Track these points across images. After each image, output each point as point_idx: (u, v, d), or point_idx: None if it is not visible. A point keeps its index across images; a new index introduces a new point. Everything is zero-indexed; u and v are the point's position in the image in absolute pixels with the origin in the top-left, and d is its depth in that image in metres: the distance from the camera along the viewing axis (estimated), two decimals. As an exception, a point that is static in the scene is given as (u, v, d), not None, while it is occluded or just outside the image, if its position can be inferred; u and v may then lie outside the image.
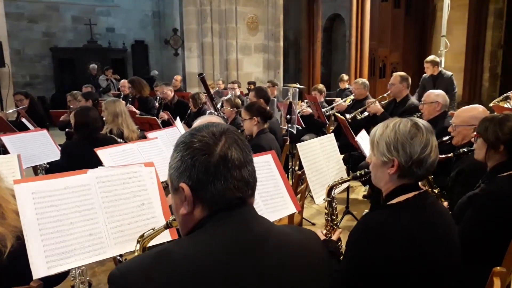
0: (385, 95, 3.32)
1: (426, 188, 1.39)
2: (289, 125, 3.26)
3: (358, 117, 3.23)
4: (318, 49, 8.58)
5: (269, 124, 2.59)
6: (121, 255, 1.18)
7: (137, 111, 3.64)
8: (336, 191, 1.35)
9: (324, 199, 1.35)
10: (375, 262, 0.88)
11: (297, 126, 3.38)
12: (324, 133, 3.54)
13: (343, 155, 2.57)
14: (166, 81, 5.00)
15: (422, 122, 0.97)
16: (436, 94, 2.41)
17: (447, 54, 4.80)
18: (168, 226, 0.95)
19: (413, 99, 3.16)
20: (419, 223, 0.91)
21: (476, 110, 1.74)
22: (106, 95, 6.36)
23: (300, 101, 4.30)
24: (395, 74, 3.20)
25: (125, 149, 1.86)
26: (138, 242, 1.00)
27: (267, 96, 3.02)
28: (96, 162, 1.58)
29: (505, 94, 2.79)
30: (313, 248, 0.70)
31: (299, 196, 2.04)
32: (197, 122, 1.43)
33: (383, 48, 6.86)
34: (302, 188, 2.14)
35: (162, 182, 1.27)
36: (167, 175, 0.67)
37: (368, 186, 3.18)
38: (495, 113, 1.94)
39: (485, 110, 1.76)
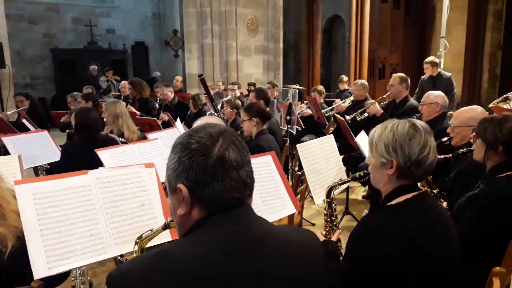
0: (384, 96, 3.33)
1: (425, 188, 1.40)
2: (289, 126, 3.27)
3: (358, 118, 3.24)
4: (317, 50, 8.60)
5: (269, 125, 2.60)
6: (121, 256, 1.19)
7: (138, 112, 3.65)
8: (336, 191, 1.35)
9: (323, 200, 1.36)
10: (375, 262, 0.89)
11: (297, 127, 3.38)
12: (323, 134, 3.54)
13: (342, 156, 2.58)
14: (166, 82, 5.01)
15: (420, 123, 0.98)
16: (436, 95, 2.42)
17: (446, 55, 4.81)
18: (166, 227, 0.95)
19: (413, 100, 3.17)
20: (418, 224, 0.91)
21: (475, 111, 1.75)
22: (107, 96, 6.38)
23: (300, 102, 4.31)
24: (394, 75, 3.21)
25: (125, 150, 1.86)
26: (136, 243, 1.00)
27: (267, 97, 3.02)
28: (96, 163, 1.58)
29: (505, 95, 2.79)
30: (312, 248, 0.71)
31: (298, 196, 2.04)
32: (197, 123, 1.44)
33: (383, 49, 6.88)
34: (302, 189, 2.14)
35: (162, 183, 1.27)
36: (165, 176, 0.67)
37: (367, 186, 3.19)
38: (494, 114, 1.94)
39: (484, 111, 1.76)
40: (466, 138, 1.72)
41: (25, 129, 3.16)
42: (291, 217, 1.69)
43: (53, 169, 2.35)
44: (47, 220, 1.03)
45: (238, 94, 4.77)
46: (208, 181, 0.61)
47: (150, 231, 1.00)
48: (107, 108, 2.68)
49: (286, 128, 3.34)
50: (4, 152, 2.45)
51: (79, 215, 1.08)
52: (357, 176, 1.23)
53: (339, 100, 4.24)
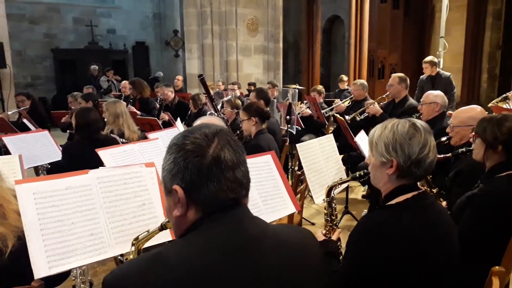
0: (384, 96, 3.33)
1: (425, 188, 1.40)
2: (289, 125, 3.27)
3: (357, 118, 3.25)
4: (317, 50, 8.61)
5: (269, 125, 2.60)
6: (122, 255, 1.19)
7: (138, 112, 3.65)
8: (336, 191, 1.36)
9: (323, 199, 1.36)
10: (375, 262, 0.89)
11: (297, 126, 3.39)
12: (323, 134, 3.55)
13: (342, 156, 2.58)
14: (167, 82, 5.01)
15: (420, 123, 0.98)
16: (435, 94, 2.42)
17: (445, 55, 4.81)
18: (162, 228, 0.94)
19: (412, 99, 3.17)
20: (419, 224, 0.91)
21: (474, 111, 1.75)
22: (107, 96, 6.38)
23: (300, 102, 4.31)
24: (393, 75, 3.21)
25: (126, 150, 1.87)
26: (133, 244, 1.00)
27: (268, 97, 3.03)
28: (97, 163, 1.58)
29: (504, 95, 2.80)
30: (309, 247, 0.71)
31: (298, 196, 2.04)
32: (197, 123, 1.44)
33: (382, 49, 6.88)
34: (302, 188, 2.15)
35: (162, 182, 1.27)
36: (160, 177, 0.67)
37: (367, 186, 3.19)
38: (494, 113, 1.95)
39: (483, 111, 1.76)
40: (465, 137, 1.72)
41: (25, 129, 3.16)
42: (291, 216, 1.69)
43: (53, 169, 2.36)
44: (48, 219, 1.03)
45: (238, 94, 4.77)
46: (203, 182, 0.61)
47: (146, 232, 0.99)
48: (107, 108, 2.68)
49: (286, 128, 3.34)
50: (4, 152, 2.45)
51: (79, 214, 1.08)
52: (357, 175, 1.24)
53: (339, 99, 4.25)
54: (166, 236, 1.10)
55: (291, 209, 1.42)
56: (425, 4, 6.65)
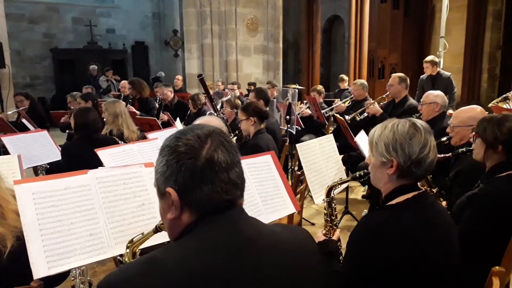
0: (384, 96, 3.33)
1: (425, 188, 1.40)
2: (289, 125, 3.27)
3: (357, 118, 3.25)
4: (317, 50, 8.61)
5: (269, 125, 2.60)
6: (121, 255, 1.18)
7: (137, 112, 3.65)
8: (335, 191, 1.35)
9: (323, 200, 1.36)
10: (376, 262, 0.89)
11: (297, 126, 3.38)
12: (323, 134, 3.55)
13: (342, 156, 2.58)
14: (166, 82, 5.01)
15: (420, 123, 0.98)
16: (435, 94, 2.42)
17: (445, 55, 4.82)
18: (157, 230, 0.93)
19: (412, 99, 3.17)
20: (419, 224, 0.91)
21: (474, 111, 1.75)
22: (107, 96, 6.38)
23: (300, 102, 4.31)
24: (393, 75, 3.21)
25: (125, 150, 1.86)
26: (127, 247, 0.99)
27: (267, 97, 3.02)
28: (96, 163, 1.58)
29: (504, 95, 2.80)
30: (307, 246, 0.70)
31: (298, 196, 2.04)
32: (197, 123, 1.44)
33: (382, 49, 6.88)
34: (302, 188, 2.14)
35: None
36: (154, 179, 0.66)
37: (367, 186, 3.19)
38: (494, 113, 1.94)
39: (483, 111, 1.76)
40: (465, 137, 1.72)
41: (24, 129, 3.16)
42: (290, 216, 1.69)
43: (52, 169, 2.35)
44: (47, 219, 1.03)
45: (238, 94, 4.77)
46: (197, 184, 0.60)
47: (141, 235, 0.98)
48: (106, 108, 2.68)
49: (285, 128, 3.34)
50: (3, 152, 2.44)
51: (78, 214, 1.07)
52: (357, 175, 1.23)
53: (339, 99, 4.24)
54: (163, 237, 1.09)
55: (291, 209, 1.42)
56: (425, 4, 6.65)
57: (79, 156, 2.05)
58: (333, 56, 10.15)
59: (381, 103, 3.30)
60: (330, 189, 1.30)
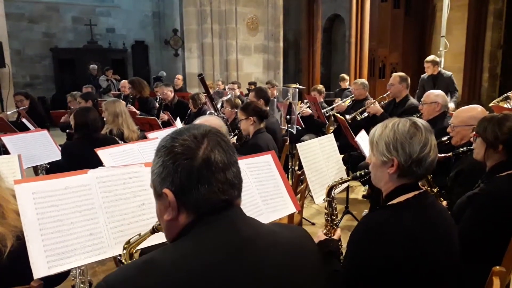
0: (384, 95, 3.33)
1: (426, 187, 1.40)
2: (289, 125, 3.27)
3: (358, 118, 3.24)
4: (317, 49, 8.59)
5: (269, 124, 2.59)
6: (121, 255, 1.18)
7: (137, 112, 3.64)
8: (336, 191, 1.35)
9: (323, 199, 1.36)
10: (376, 262, 0.88)
11: (297, 126, 3.38)
12: (323, 134, 3.54)
13: (342, 155, 2.58)
14: (166, 81, 5.01)
15: (421, 122, 0.97)
16: (436, 94, 2.41)
17: (446, 55, 4.81)
18: (154, 230, 0.93)
19: (413, 99, 3.17)
20: (420, 224, 0.91)
21: (475, 110, 1.74)
22: (107, 96, 6.38)
23: (300, 101, 4.30)
24: (394, 74, 3.20)
25: (125, 149, 1.86)
26: (124, 248, 0.98)
27: (267, 96, 3.02)
28: (96, 162, 1.58)
29: (505, 95, 2.79)
30: (306, 245, 0.70)
31: (299, 196, 2.04)
32: (197, 122, 1.44)
33: (383, 49, 6.87)
34: (302, 188, 2.14)
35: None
36: (150, 180, 0.65)
37: (367, 186, 3.19)
38: (494, 113, 1.94)
39: (484, 110, 1.76)
40: (466, 137, 1.72)
41: (25, 129, 3.16)
42: (291, 216, 1.69)
43: (53, 169, 2.35)
44: (47, 219, 1.03)
45: (238, 93, 4.76)
46: (194, 185, 0.60)
47: (138, 236, 0.98)
48: (107, 107, 2.68)
49: (286, 128, 3.34)
50: (4, 152, 2.44)
51: (78, 214, 1.07)
52: (358, 175, 1.23)
53: (339, 99, 4.24)
54: (162, 237, 1.09)
55: (291, 209, 1.42)
56: (426, 3, 6.64)
57: (79, 155, 2.06)
58: (333, 56, 10.14)
59: (382, 103, 3.30)
60: (330, 189, 1.29)
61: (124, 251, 0.98)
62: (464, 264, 1.03)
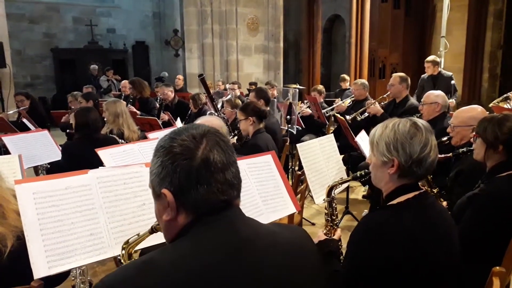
0: (384, 96, 3.33)
1: (426, 188, 1.40)
2: (289, 125, 3.27)
3: (358, 118, 3.24)
4: (318, 50, 8.59)
5: (269, 125, 2.59)
6: (121, 255, 1.18)
7: (138, 112, 3.65)
8: (336, 191, 1.35)
9: (324, 199, 1.36)
10: (376, 262, 0.88)
11: (297, 126, 3.38)
12: (324, 134, 3.54)
13: (342, 156, 2.58)
14: (167, 82, 5.01)
15: (421, 122, 0.97)
16: (436, 94, 2.41)
17: (446, 55, 4.81)
18: (153, 231, 0.92)
19: (413, 99, 3.17)
20: (420, 224, 0.91)
21: (475, 111, 1.74)
22: (107, 96, 6.38)
23: (300, 101, 4.31)
24: (394, 75, 3.21)
25: (125, 150, 1.86)
26: (123, 248, 0.98)
27: (267, 96, 3.02)
28: (96, 162, 1.58)
29: (505, 95, 2.79)
30: (305, 245, 0.70)
31: (299, 196, 2.04)
32: (198, 122, 1.44)
33: (383, 49, 6.87)
34: (302, 188, 2.14)
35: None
36: (149, 180, 0.65)
37: (367, 186, 3.19)
38: (494, 113, 1.94)
39: (484, 111, 1.76)
40: (466, 137, 1.72)
41: (25, 129, 3.16)
42: (291, 216, 1.69)
43: (53, 169, 2.36)
44: (47, 219, 1.03)
45: (238, 94, 4.76)
46: (193, 185, 0.59)
47: (137, 236, 0.98)
48: (107, 108, 2.68)
49: (286, 128, 3.34)
50: (4, 152, 2.45)
51: (79, 214, 1.07)
52: (358, 175, 1.23)
53: (339, 99, 4.24)
54: (161, 238, 1.09)
55: (291, 209, 1.42)
56: (426, 3, 6.64)
57: (79, 155, 2.06)
58: (333, 56, 10.14)
59: (382, 103, 3.30)
60: (330, 189, 1.29)
61: (123, 251, 0.98)
62: (464, 264, 1.03)
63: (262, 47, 6.58)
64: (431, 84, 4.03)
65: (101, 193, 1.13)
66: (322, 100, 4.10)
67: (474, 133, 1.42)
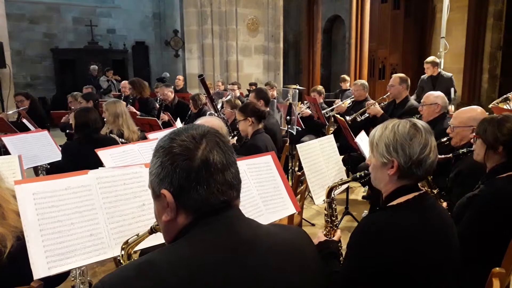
0: (384, 96, 3.33)
1: (426, 189, 1.40)
2: (289, 126, 3.27)
3: (358, 119, 3.24)
4: (318, 50, 8.60)
5: (269, 125, 2.59)
6: (120, 256, 1.18)
7: (138, 112, 3.65)
8: (336, 192, 1.35)
9: (323, 200, 1.36)
10: (376, 263, 0.88)
11: (297, 127, 3.38)
12: (324, 134, 3.55)
13: (342, 156, 2.58)
14: (167, 82, 5.01)
15: (421, 123, 0.98)
16: (436, 95, 2.41)
17: (446, 56, 4.81)
18: (152, 231, 0.92)
19: (413, 100, 3.17)
20: (420, 225, 0.91)
21: (475, 111, 1.75)
22: (107, 96, 6.39)
23: (300, 102, 4.31)
24: (394, 75, 3.21)
25: (125, 150, 1.86)
26: (122, 249, 0.98)
27: (267, 97, 3.02)
28: (96, 163, 1.58)
29: (505, 96, 2.79)
30: (304, 246, 0.70)
31: (298, 196, 2.04)
32: (198, 123, 1.43)
33: (383, 49, 6.88)
34: (302, 189, 2.14)
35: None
36: (148, 181, 0.65)
37: (367, 187, 3.19)
38: (494, 114, 1.94)
39: (484, 112, 1.76)
40: (465, 138, 1.72)
41: (25, 129, 3.16)
42: (291, 217, 1.69)
43: (53, 169, 2.35)
44: (47, 220, 1.03)
45: (238, 94, 4.77)
46: (192, 186, 0.59)
47: (136, 236, 0.98)
48: (107, 108, 2.68)
49: (286, 128, 3.34)
50: (4, 152, 2.45)
51: (79, 215, 1.07)
52: (358, 176, 1.23)
53: (339, 100, 4.24)
54: (161, 238, 1.09)
55: (291, 210, 1.42)
56: (426, 4, 6.65)
57: (79, 156, 2.06)
58: (333, 57, 10.15)
59: (382, 104, 3.30)
60: (330, 190, 1.29)
61: (123, 252, 0.98)
62: (464, 265, 1.03)
63: (262, 48, 6.59)
64: (430, 85, 4.03)
65: (101, 194, 1.13)
66: (321, 100, 4.10)
67: (474, 134, 1.42)
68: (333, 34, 10.04)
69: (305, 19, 8.60)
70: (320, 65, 8.92)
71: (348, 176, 2.24)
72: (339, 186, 1.32)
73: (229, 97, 3.89)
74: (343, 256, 1.06)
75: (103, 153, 1.76)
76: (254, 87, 5.15)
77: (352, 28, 7.61)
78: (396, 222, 0.92)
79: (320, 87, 4.26)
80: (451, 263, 0.96)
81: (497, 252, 1.20)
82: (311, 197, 1.80)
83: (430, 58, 4.20)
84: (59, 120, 3.73)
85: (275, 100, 3.95)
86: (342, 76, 5.78)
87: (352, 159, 3.01)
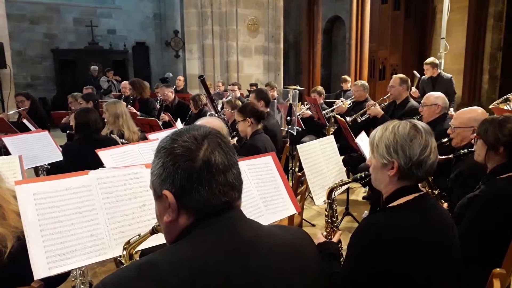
0: (385, 97, 3.33)
1: (426, 189, 1.40)
2: (289, 126, 3.27)
3: (359, 120, 3.25)
4: (318, 51, 8.61)
5: (269, 126, 2.59)
6: (121, 256, 1.18)
7: (138, 113, 3.65)
8: (336, 192, 1.35)
9: (324, 201, 1.36)
10: (376, 264, 0.88)
11: (297, 127, 3.39)
12: (324, 135, 3.55)
13: (343, 157, 2.58)
14: (168, 83, 5.01)
15: (421, 124, 0.98)
16: (436, 96, 2.41)
17: (446, 56, 4.81)
18: (153, 231, 0.92)
19: (413, 101, 3.17)
20: (420, 225, 0.91)
21: (475, 112, 1.75)
22: (107, 97, 6.39)
23: (300, 103, 4.31)
24: (394, 76, 3.21)
25: (126, 150, 1.87)
26: (124, 249, 0.98)
27: (268, 98, 3.03)
28: (97, 163, 1.58)
29: (505, 96, 2.79)
30: (305, 247, 0.70)
31: (299, 197, 2.04)
32: (198, 123, 1.44)
33: (383, 50, 6.88)
34: (302, 190, 2.14)
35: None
36: (149, 181, 0.65)
37: (367, 187, 3.19)
38: (495, 115, 1.94)
39: (484, 112, 1.76)
40: (466, 139, 1.72)
41: (25, 129, 3.16)
42: (291, 218, 1.69)
43: (53, 169, 2.36)
44: (48, 220, 1.03)
45: (238, 95, 4.77)
46: (194, 187, 0.59)
47: (138, 236, 0.98)
48: (107, 109, 2.68)
49: (286, 129, 3.34)
50: (4, 152, 2.45)
51: (79, 215, 1.07)
52: (358, 177, 1.23)
53: (340, 100, 4.25)
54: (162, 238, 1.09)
55: (292, 210, 1.42)
56: (426, 5, 6.65)
57: (79, 156, 2.06)
58: (334, 57, 10.16)
59: (382, 105, 3.30)
60: (331, 191, 1.29)
61: (124, 252, 0.98)
62: (465, 266, 1.03)
63: (262, 48, 6.59)
64: (430, 86, 4.03)
65: (102, 194, 1.13)
66: (322, 101, 4.10)
67: (475, 134, 1.42)
68: (333, 35, 10.05)
69: (306, 20, 8.61)
70: (320, 66, 8.93)
71: (348, 177, 2.24)
72: (340, 187, 1.32)
73: (229, 97, 3.90)
74: (344, 257, 1.06)
75: (103, 154, 1.76)
76: (254, 88, 5.15)
77: (353, 28, 7.62)
78: (396, 223, 0.92)
79: (320, 88, 4.26)
80: (452, 264, 0.96)
81: (497, 253, 1.20)
82: (312, 198, 1.80)
83: (430, 59, 4.20)
84: (60, 120, 3.73)
85: (276, 101, 3.95)
86: (343, 76, 5.78)
87: (352, 159, 3.01)
